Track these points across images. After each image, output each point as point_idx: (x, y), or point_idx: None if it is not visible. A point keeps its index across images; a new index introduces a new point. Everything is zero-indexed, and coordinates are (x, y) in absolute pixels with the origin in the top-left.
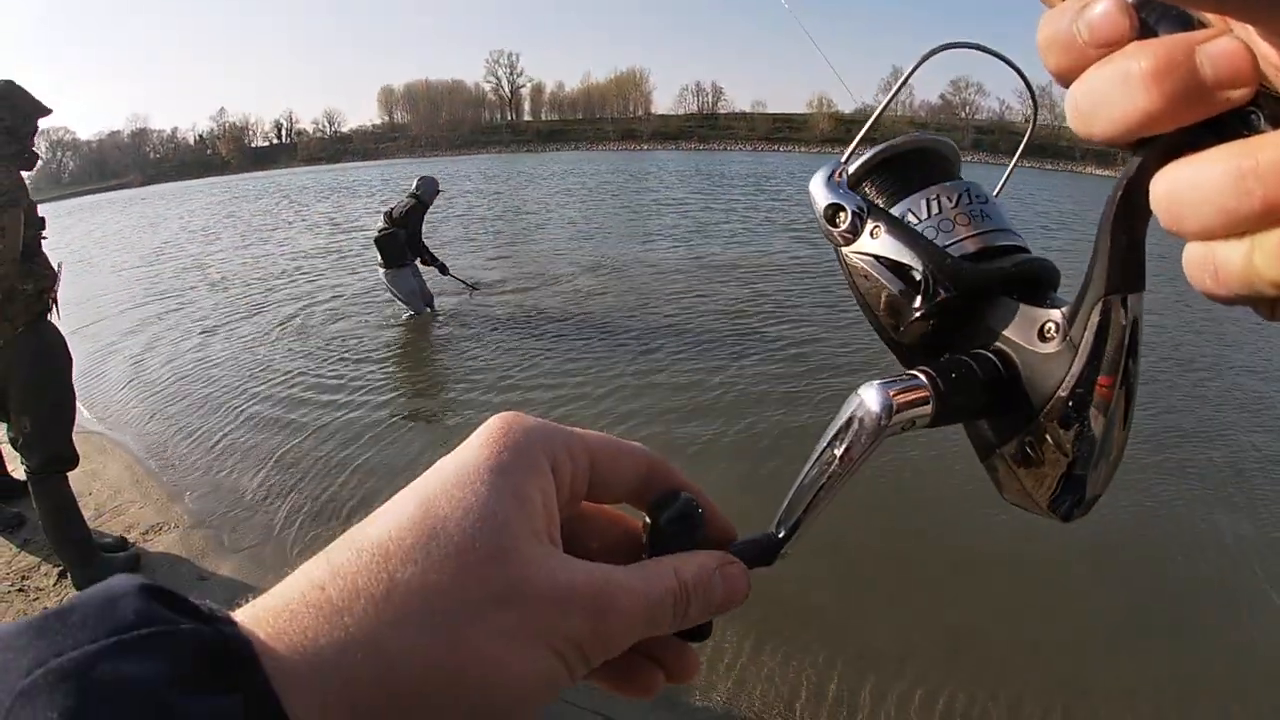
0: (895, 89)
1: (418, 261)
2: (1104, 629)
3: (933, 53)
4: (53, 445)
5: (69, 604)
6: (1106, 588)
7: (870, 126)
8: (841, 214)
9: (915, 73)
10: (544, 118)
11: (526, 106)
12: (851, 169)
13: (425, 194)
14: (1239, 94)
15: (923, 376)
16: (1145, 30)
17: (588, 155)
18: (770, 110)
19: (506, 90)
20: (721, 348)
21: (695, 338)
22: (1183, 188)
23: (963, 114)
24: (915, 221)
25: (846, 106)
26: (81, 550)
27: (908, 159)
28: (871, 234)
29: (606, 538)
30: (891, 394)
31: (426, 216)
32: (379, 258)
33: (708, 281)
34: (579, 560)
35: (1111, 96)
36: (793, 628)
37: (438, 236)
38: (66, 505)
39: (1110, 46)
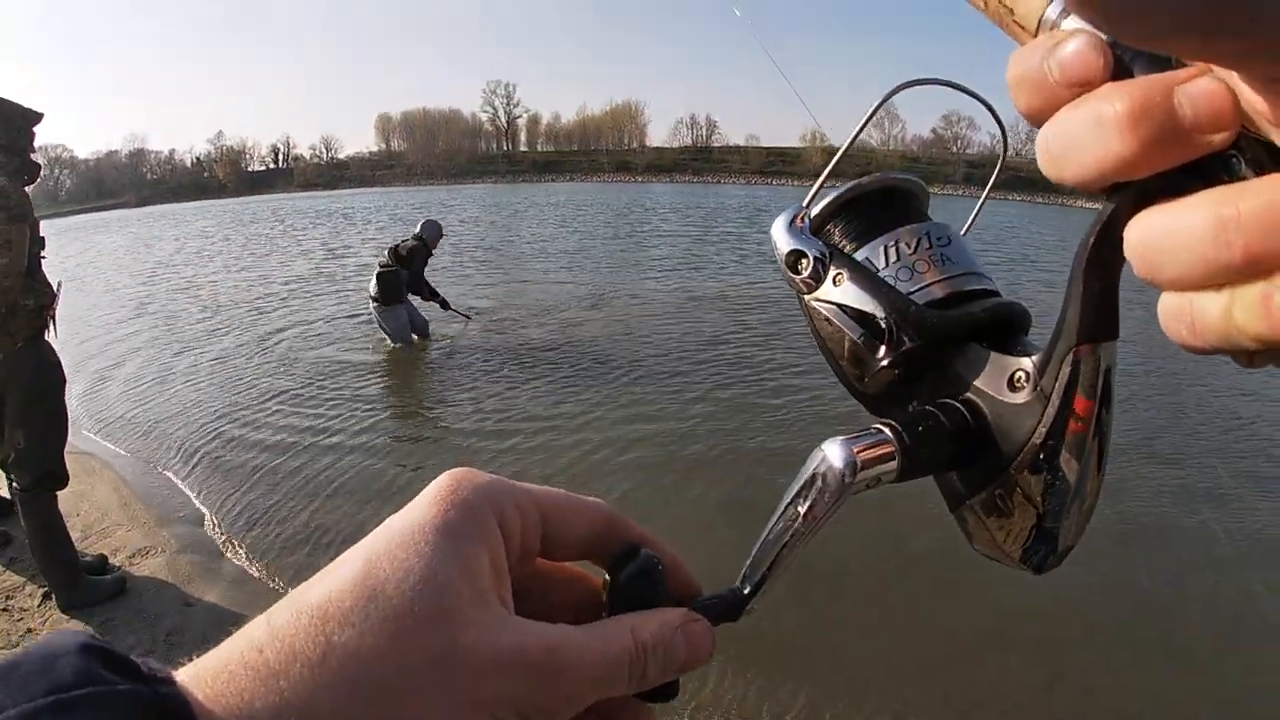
0: (859, 127)
1: (417, 299)
2: (1081, 658)
3: (897, 90)
4: (45, 462)
5: (12, 660)
6: (1085, 611)
7: (833, 167)
8: (803, 261)
9: (881, 108)
10: (540, 148)
11: (523, 137)
12: (815, 211)
13: (429, 237)
14: (1220, 138)
15: (888, 431)
16: (1120, 69)
17: (583, 186)
18: (764, 144)
19: (503, 120)
20: (705, 377)
21: (680, 367)
22: (1159, 236)
23: (954, 148)
24: (881, 266)
25: (839, 139)
26: (68, 572)
27: (873, 200)
28: (834, 281)
29: (565, 596)
30: (855, 450)
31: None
32: (374, 290)
33: (696, 312)
34: (528, 622)
35: (1084, 140)
36: (757, 652)
37: (431, 264)
38: (55, 525)
39: (1083, 86)
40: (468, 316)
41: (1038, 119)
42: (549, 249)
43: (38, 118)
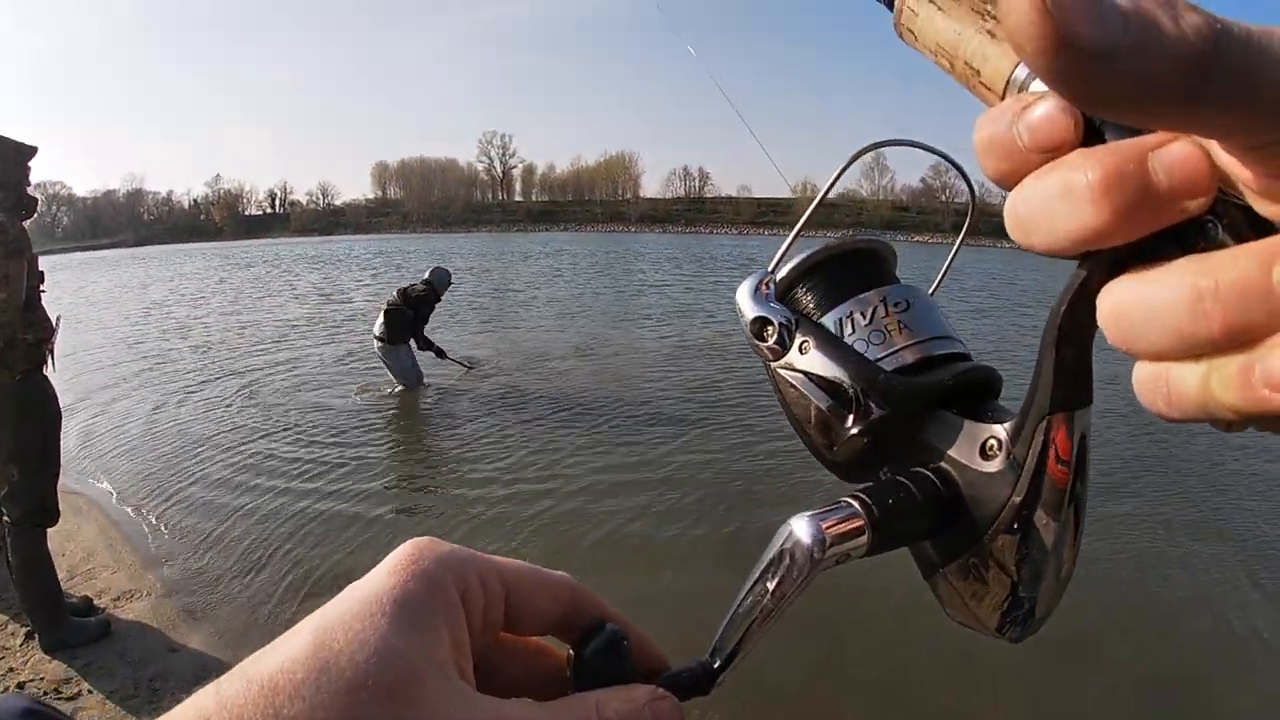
0: (824, 190)
1: (414, 345)
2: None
3: (862, 152)
4: (37, 497)
5: None
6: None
7: (797, 234)
8: (768, 328)
9: (848, 169)
10: (534, 198)
11: (518, 186)
12: (781, 275)
13: (438, 284)
14: (1196, 204)
15: (856, 504)
16: (1091, 133)
17: (577, 236)
18: (755, 195)
19: (498, 170)
20: (693, 425)
21: (667, 414)
22: (1133, 307)
23: (943, 197)
24: (848, 332)
25: (830, 191)
26: (52, 612)
27: (839, 264)
28: (800, 349)
29: (529, 671)
30: (824, 527)
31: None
32: (379, 329)
33: (685, 360)
34: (487, 698)
35: (1053, 210)
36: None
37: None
38: (42, 561)
39: (1052, 152)
40: (468, 366)
41: (1006, 184)
42: (542, 297)
43: (32, 152)
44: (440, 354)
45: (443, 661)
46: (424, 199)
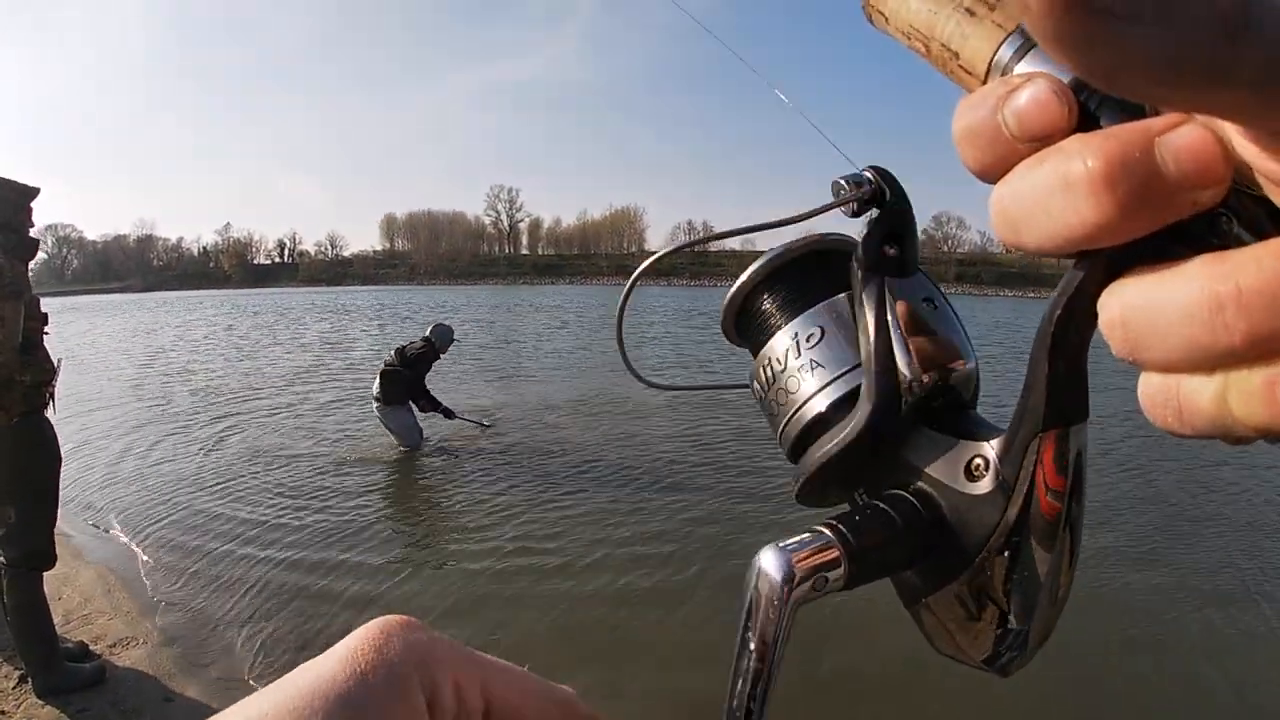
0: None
1: (416, 407)
2: None
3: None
4: (34, 540)
5: None
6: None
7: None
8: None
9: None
10: (541, 251)
11: (524, 240)
12: (744, 279)
13: (440, 342)
14: (1209, 195)
15: (829, 533)
16: (1086, 118)
17: (582, 289)
18: (759, 248)
19: (505, 224)
20: (692, 479)
21: (668, 469)
22: (1140, 313)
23: (945, 247)
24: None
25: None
26: (47, 656)
27: (796, 268)
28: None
29: None
30: (794, 559)
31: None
32: (376, 390)
33: (686, 411)
34: None
35: (1049, 205)
36: None
37: (434, 365)
38: (38, 605)
39: (1044, 140)
40: (483, 425)
41: (990, 176)
42: (546, 349)
43: (34, 193)
44: (449, 414)
45: None
46: (431, 251)
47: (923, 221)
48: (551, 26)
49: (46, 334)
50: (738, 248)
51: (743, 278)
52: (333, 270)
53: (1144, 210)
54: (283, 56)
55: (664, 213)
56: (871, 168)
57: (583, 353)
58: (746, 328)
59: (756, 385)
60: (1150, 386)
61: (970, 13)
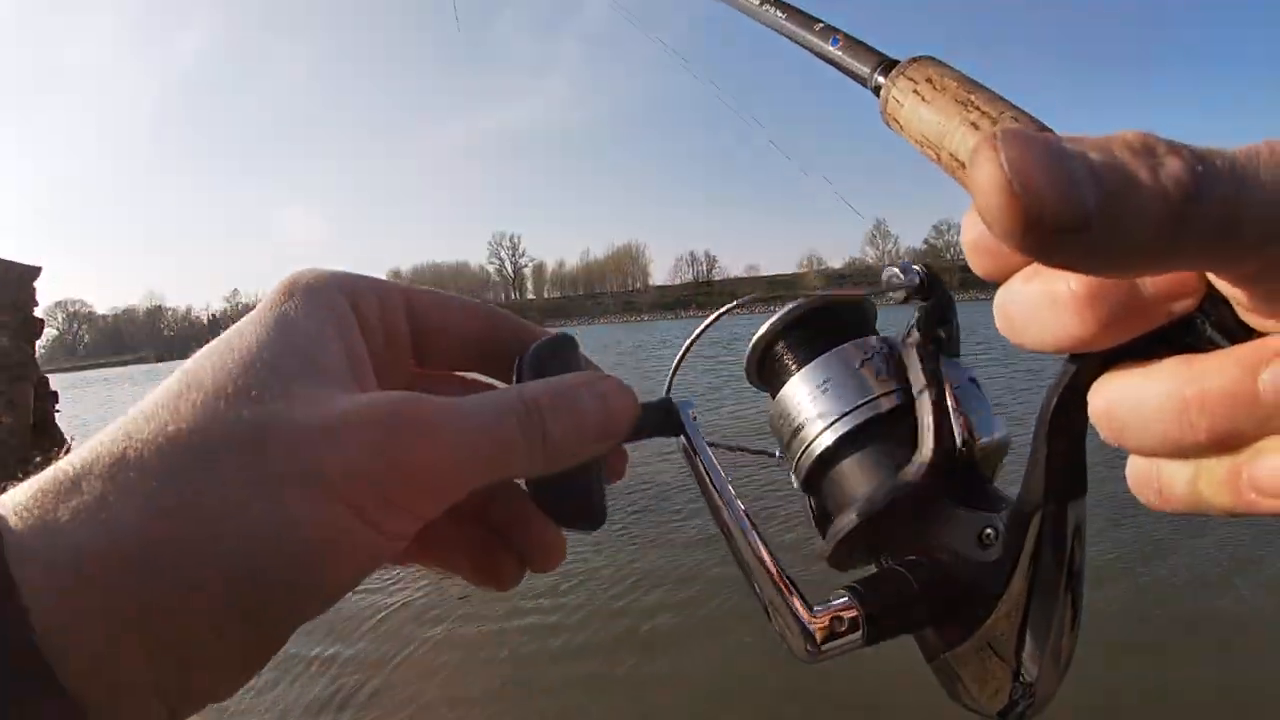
0: (688, 343)
1: None
2: None
3: (726, 311)
4: None
5: None
6: None
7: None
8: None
9: (708, 328)
10: (546, 295)
11: (529, 284)
12: (764, 329)
13: None
14: (1182, 306)
15: (849, 596)
16: None
17: (590, 329)
18: (763, 273)
19: (509, 270)
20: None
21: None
22: (1122, 408)
23: (948, 255)
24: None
25: (836, 262)
26: None
27: (809, 326)
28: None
29: None
30: (814, 625)
31: None
32: None
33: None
34: (379, 391)
35: (1040, 317)
36: None
37: None
38: None
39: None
40: None
41: (995, 280)
42: None
43: (35, 273)
44: None
45: (327, 364)
46: None
47: (923, 231)
48: (539, 74)
49: (58, 411)
50: (742, 275)
51: (763, 328)
52: None
53: (1123, 324)
54: (280, 118)
55: (666, 243)
56: (924, 265)
57: None
58: (766, 372)
59: (775, 424)
60: (1135, 468)
61: (975, 126)
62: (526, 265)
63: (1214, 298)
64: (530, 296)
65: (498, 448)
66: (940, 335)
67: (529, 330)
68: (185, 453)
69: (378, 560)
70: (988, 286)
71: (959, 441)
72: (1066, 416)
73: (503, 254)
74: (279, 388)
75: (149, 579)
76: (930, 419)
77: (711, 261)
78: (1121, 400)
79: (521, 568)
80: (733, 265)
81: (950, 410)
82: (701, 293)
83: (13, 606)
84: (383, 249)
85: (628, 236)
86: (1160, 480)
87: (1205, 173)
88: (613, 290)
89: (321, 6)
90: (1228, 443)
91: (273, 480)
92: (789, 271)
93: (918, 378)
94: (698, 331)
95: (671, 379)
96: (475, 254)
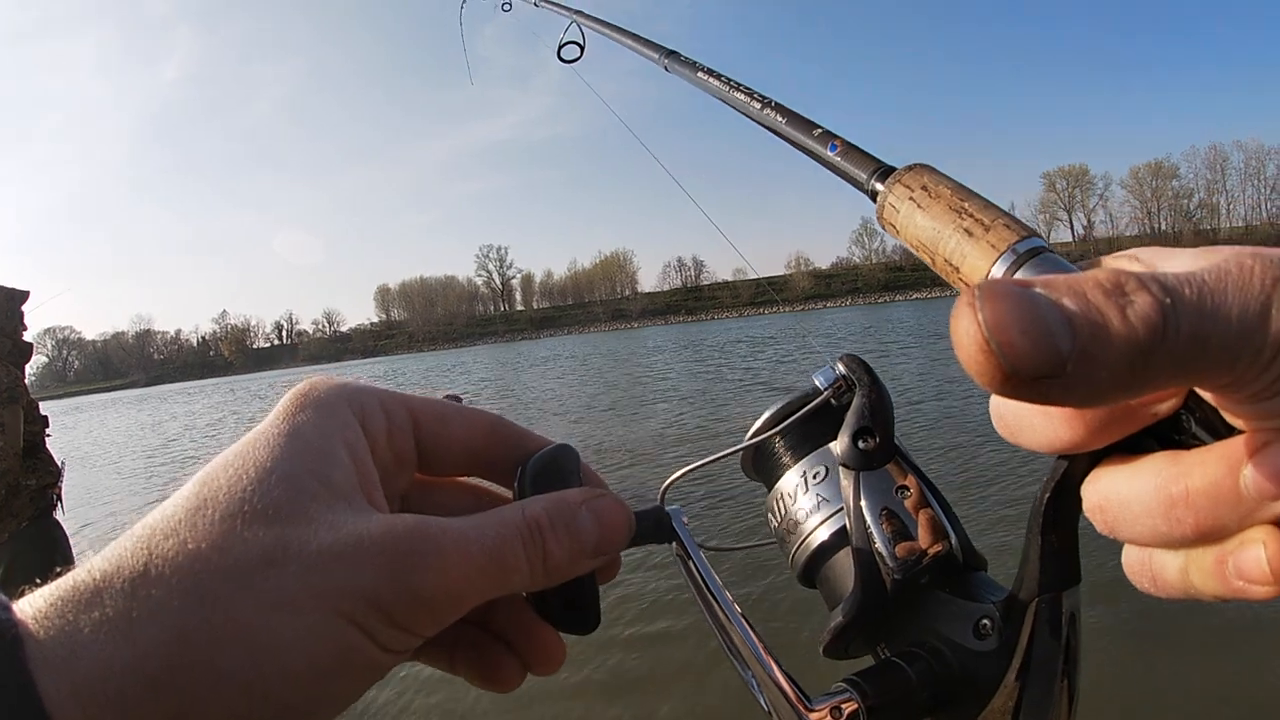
0: (693, 466)
1: None
2: None
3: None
4: None
5: None
6: None
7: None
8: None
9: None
10: (535, 305)
11: (518, 296)
12: (757, 426)
13: None
14: (1167, 407)
15: (850, 689)
16: None
17: (581, 338)
18: (751, 276)
19: (498, 282)
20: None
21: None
22: (1113, 504)
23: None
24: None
25: (823, 263)
26: None
27: (807, 416)
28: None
29: (469, 511)
30: (814, 719)
31: None
32: None
33: (699, 451)
34: (394, 515)
35: (1033, 423)
36: None
37: None
38: None
39: None
40: None
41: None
42: (549, 403)
43: (24, 297)
44: None
45: (337, 482)
46: (428, 317)
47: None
48: (522, 87)
49: (49, 435)
50: (730, 278)
51: (757, 424)
52: (332, 347)
53: (1110, 428)
54: (258, 140)
55: (654, 250)
56: (844, 359)
57: (590, 403)
58: (762, 467)
59: (770, 516)
60: (1130, 557)
61: (968, 233)
62: (515, 277)
63: (1197, 396)
64: (519, 308)
65: (501, 570)
66: (863, 447)
67: (529, 438)
68: (204, 573)
69: (382, 673)
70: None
71: (883, 555)
72: (1058, 511)
73: (490, 266)
74: (292, 508)
75: (172, 699)
76: (851, 539)
77: (699, 265)
78: (1112, 495)
79: (523, 671)
80: (721, 268)
81: (872, 525)
82: (691, 297)
83: (37, 715)
84: (371, 265)
85: (615, 245)
86: (1153, 569)
87: (1173, 306)
88: (602, 299)
89: (303, 30)
90: (1213, 535)
91: (289, 603)
92: (778, 273)
93: (846, 502)
94: (707, 460)
95: (665, 491)
96: (463, 267)
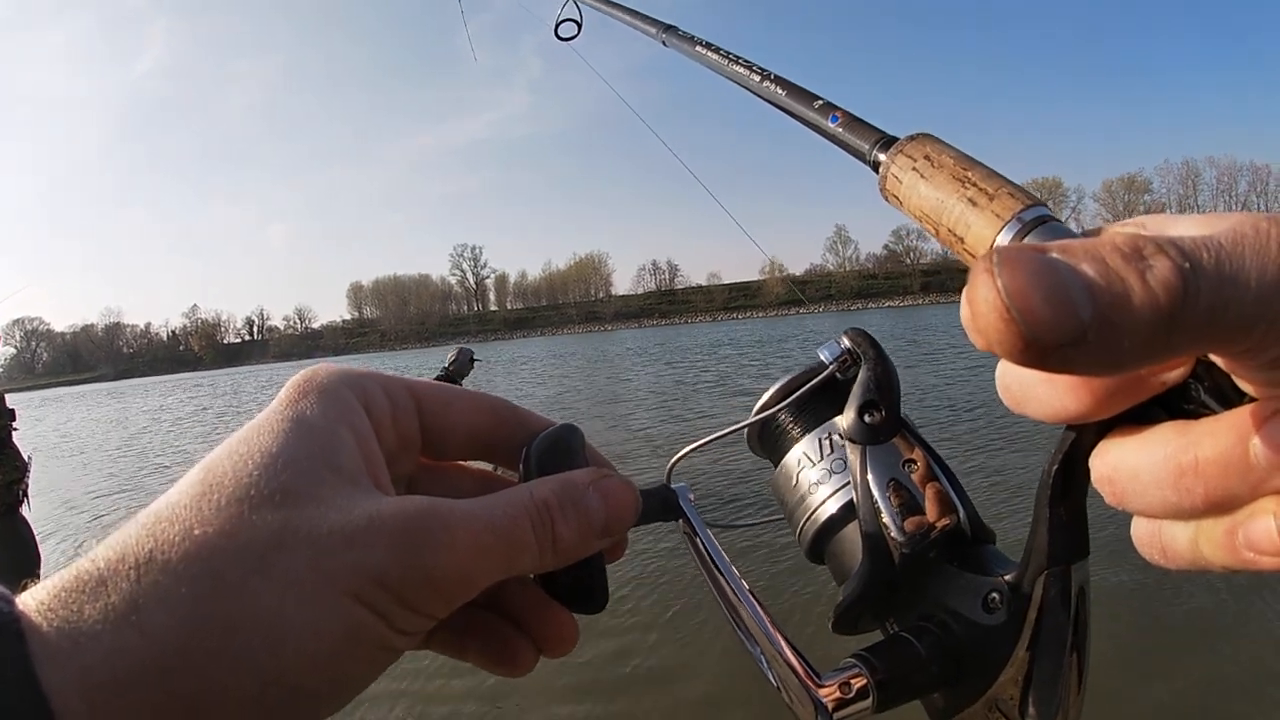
0: (696, 444)
1: None
2: None
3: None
4: None
5: None
6: None
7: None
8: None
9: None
10: (509, 306)
11: (492, 296)
12: (763, 401)
13: (458, 369)
14: (1175, 375)
15: (859, 665)
16: None
17: (555, 340)
18: (725, 281)
19: (471, 282)
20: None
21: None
22: (1122, 475)
23: (908, 260)
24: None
25: (797, 269)
26: None
27: (812, 390)
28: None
29: (475, 494)
30: (823, 695)
31: None
32: None
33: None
34: (403, 496)
35: (1037, 394)
36: None
37: None
38: None
39: None
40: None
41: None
42: (527, 402)
43: None
44: None
45: (342, 465)
46: (401, 316)
47: (882, 237)
48: (500, 85)
49: (15, 430)
50: (704, 282)
51: (763, 399)
52: (303, 344)
53: (1117, 398)
54: (234, 135)
55: (628, 253)
56: (849, 333)
57: (561, 403)
58: (768, 443)
59: (778, 491)
60: (1139, 529)
61: (972, 203)
62: (489, 277)
63: (1206, 364)
64: (493, 308)
65: (511, 550)
66: (869, 421)
67: (532, 419)
68: (212, 557)
69: (394, 656)
70: (950, 290)
71: (891, 529)
72: (1067, 482)
73: (465, 265)
74: (300, 491)
75: (184, 685)
76: (860, 513)
77: (674, 269)
78: (1121, 465)
79: (536, 653)
80: (695, 273)
81: (880, 498)
82: (665, 301)
83: (42, 713)
84: (345, 263)
85: (590, 247)
86: (1163, 540)
87: (1192, 271)
88: (576, 300)
89: (280, 25)
90: (1223, 505)
91: (298, 585)
92: (751, 279)
93: (853, 475)
94: (713, 437)
95: (671, 469)
96: (437, 266)
